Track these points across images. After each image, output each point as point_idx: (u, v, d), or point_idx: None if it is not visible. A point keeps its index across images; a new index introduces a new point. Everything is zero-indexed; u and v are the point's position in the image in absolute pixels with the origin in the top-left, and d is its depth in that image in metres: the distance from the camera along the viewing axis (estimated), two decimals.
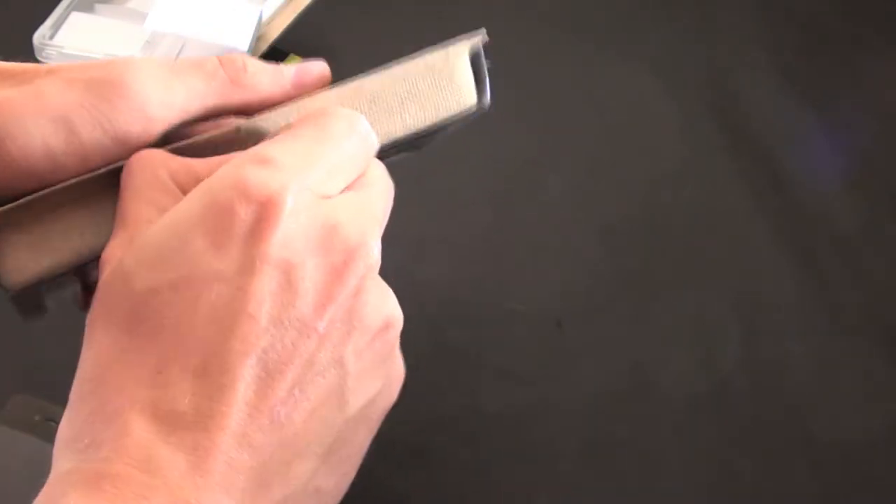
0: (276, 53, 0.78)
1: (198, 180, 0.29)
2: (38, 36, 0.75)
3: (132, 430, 0.26)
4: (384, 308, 0.30)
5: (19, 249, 0.31)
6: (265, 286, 0.27)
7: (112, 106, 0.31)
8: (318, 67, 0.35)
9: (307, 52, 0.70)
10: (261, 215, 0.27)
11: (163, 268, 0.27)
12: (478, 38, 0.35)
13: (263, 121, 0.33)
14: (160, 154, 0.31)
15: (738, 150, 0.75)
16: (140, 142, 0.32)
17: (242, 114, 0.33)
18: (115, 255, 0.29)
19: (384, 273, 0.31)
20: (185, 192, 0.30)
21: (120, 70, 0.31)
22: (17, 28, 0.76)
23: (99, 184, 0.31)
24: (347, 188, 0.31)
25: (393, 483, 0.56)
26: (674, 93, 0.79)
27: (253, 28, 0.75)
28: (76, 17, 0.76)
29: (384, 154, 0.34)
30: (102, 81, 0.31)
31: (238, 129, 0.32)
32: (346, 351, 0.29)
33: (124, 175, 0.31)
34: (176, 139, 0.32)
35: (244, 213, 0.27)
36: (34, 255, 0.31)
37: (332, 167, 0.30)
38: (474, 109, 0.36)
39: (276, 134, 0.32)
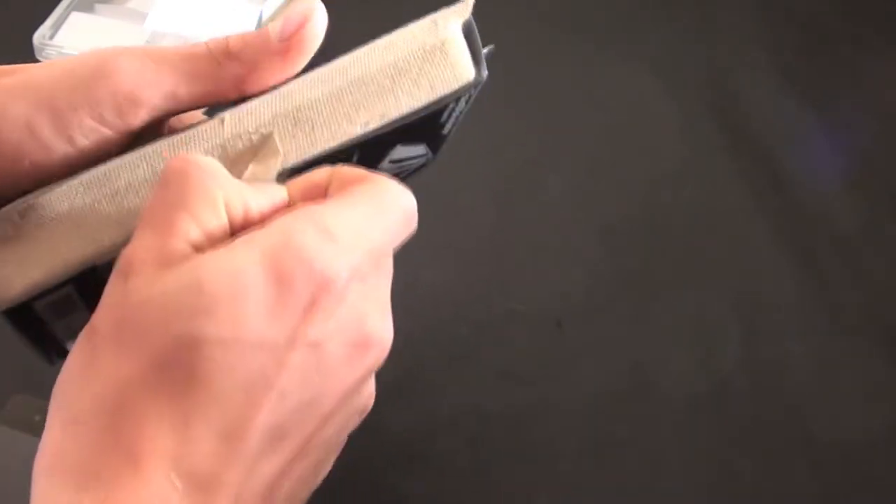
0: None
1: (247, 219, 0.29)
2: (38, 36, 0.75)
3: (152, 480, 0.26)
4: (371, 386, 0.32)
5: (6, 263, 0.31)
6: (300, 364, 0.28)
7: (94, 86, 0.31)
8: (299, 15, 0.33)
9: None
10: (316, 296, 0.28)
11: (214, 320, 0.27)
12: (468, 10, 0.34)
13: (248, 113, 0.32)
14: (222, 172, 0.30)
15: (738, 150, 0.75)
16: (125, 124, 0.32)
17: (241, 94, 0.33)
18: (140, 258, 0.28)
19: None
20: (231, 223, 0.29)
21: (105, 54, 0.32)
22: (17, 28, 0.76)
23: (88, 195, 0.31)
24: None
25: (393, 483, 0.56)
26: (674, 93, 0.78)
27: (253, 28, 0.75)
28: (76, 17, 0.77)
29: (391, 142, 0.34)
30: (86, 63, 0.32)
31: (223, 121, 0.32)
32: (341, 434, 0.31)
33: (173, 173, 0.29)
34: (168, 128, 0.32)
35: (303, 289, 0.28)
36: (21, 269, 0.31)
37: (377, 250, 0.30)
38: (472, 83, 0.34)
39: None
